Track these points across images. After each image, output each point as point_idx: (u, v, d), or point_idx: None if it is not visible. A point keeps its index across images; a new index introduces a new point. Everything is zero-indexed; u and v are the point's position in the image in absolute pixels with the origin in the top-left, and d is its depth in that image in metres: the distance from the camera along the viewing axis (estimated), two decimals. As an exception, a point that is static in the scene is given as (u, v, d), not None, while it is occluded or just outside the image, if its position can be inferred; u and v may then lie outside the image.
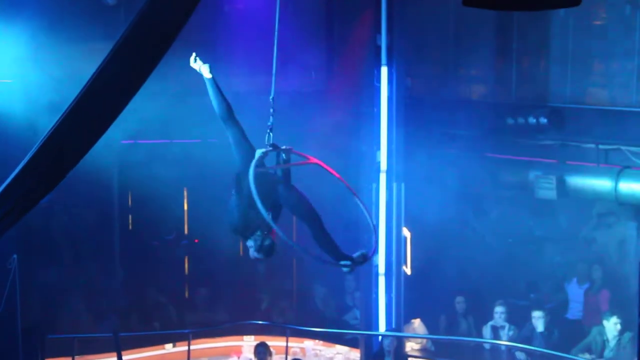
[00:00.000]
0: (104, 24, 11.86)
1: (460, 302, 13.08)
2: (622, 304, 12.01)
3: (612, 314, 11.76)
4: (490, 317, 12.59)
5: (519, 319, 12.60)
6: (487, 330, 12.62)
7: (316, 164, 6.96)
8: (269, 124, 6.94)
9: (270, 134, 6.93)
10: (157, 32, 5.46)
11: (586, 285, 12.81)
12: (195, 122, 13.00)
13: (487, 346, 12.48)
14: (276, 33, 7.19)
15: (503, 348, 11.80)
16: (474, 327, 12.99)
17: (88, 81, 5.44)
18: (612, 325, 11.65)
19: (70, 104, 5.48)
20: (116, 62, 5.41)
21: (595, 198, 12.67)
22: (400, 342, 12.13)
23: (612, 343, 11.63)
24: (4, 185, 5.67)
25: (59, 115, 5.52)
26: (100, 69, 5.42)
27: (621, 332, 11.57)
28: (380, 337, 12.22)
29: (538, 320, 12.13)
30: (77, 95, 5.47)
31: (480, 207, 14.10)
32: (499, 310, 12.54)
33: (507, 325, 12.50)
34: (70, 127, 5.53)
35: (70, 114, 5.50)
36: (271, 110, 6.97)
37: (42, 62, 11.83)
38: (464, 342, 12.78)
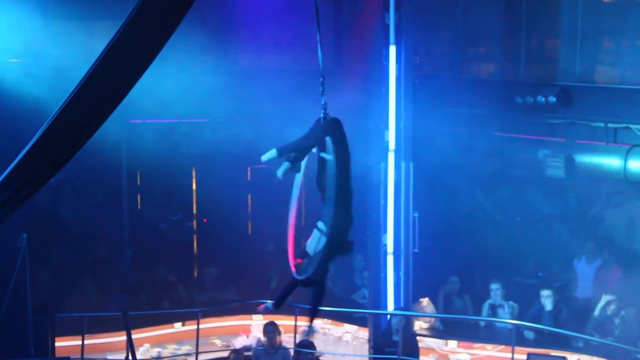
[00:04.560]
0: (112, 2, 11.81)
1: (453, 282, 13.13)
2: (630, 282, 12.00)
3: (613, 293, 11.76)
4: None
5: (527, 298, 12.61)
6: (485, 309, 12.65)
7: None
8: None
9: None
10: (165, 11, 5.44)
11: (597, 263, 12.78)
12: (204, 101, 12.99)
13: (498, 324, 12.51)
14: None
15: (510, 327, 11.80)
16: (474, 305, 13.01)
17: (97, 60, 5.43)
18: (603, 304, 11.68)
19: (79, 83, 5.46)
20: (125, 41, 5.39)
21: (604, 177, 12.65)
22: (408, 321, 12.15)
23: (616, 321, 11.62)
24: (13, 165, 5.66)
25: (68, 95, 5.51)
26: (109, 48, 5.40)
27: (618, 310, 11.58)
28: (388, 316, 12.24)
29: (546, 298, 12.13)
30: (86, 74, 5.45)
31: (489, 186, 14.09)
32: (494, 287, 12.59)
33: (505, 304, 12.52)
34: (78, 107, 5.52)
35: (78, 93, 5.48)
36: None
37: (49, 41, 11.80)
38: (471, 320, 12.80)
